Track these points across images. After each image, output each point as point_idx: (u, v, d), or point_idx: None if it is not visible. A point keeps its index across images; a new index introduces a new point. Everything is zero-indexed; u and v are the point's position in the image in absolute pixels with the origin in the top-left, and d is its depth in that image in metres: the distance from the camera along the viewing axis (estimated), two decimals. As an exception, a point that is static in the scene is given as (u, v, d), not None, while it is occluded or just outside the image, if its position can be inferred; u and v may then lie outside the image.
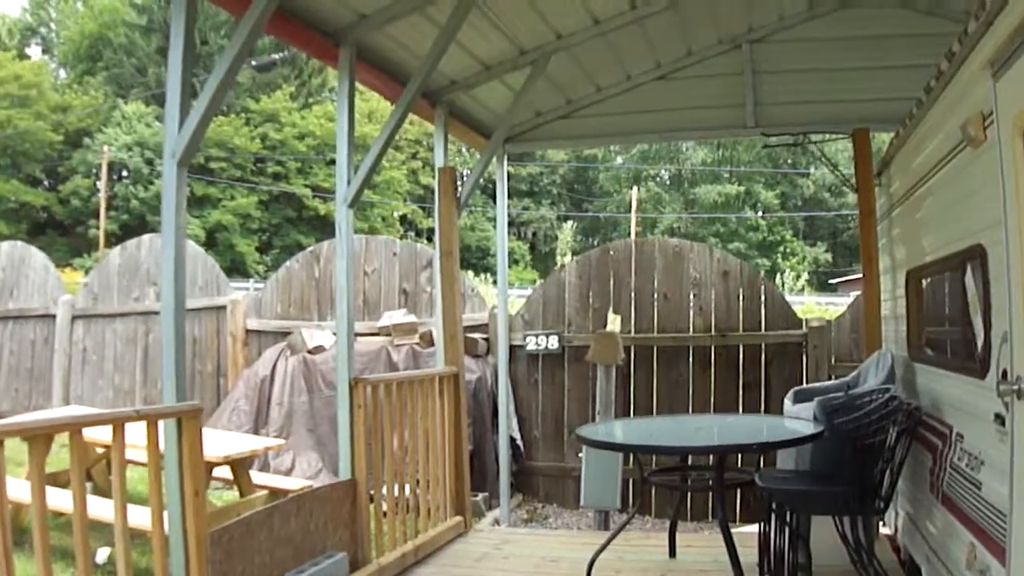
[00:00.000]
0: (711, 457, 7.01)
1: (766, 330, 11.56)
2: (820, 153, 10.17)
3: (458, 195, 9.16)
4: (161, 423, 4.86)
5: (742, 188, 62.93)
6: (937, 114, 5.90)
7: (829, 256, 62.64)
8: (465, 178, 9.67)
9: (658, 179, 67.68)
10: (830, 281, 54.07)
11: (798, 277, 45.86)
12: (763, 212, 63.65)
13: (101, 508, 6.33)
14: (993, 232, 4.35)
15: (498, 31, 8.45)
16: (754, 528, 7.64)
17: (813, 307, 26.22)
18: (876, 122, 9.16)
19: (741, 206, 62.79)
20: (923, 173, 6.39)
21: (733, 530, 6.41)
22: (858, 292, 11.78)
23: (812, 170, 61.84)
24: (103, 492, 9.10)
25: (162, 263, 5.47)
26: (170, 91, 5.52)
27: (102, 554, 7.83)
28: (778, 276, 44.75)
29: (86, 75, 61.20)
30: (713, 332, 11.70)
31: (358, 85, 7.84)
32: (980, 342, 4.79)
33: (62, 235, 55.60)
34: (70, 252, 51.17)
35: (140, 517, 5.34)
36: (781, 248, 60.67)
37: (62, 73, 64.99)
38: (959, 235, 5.22)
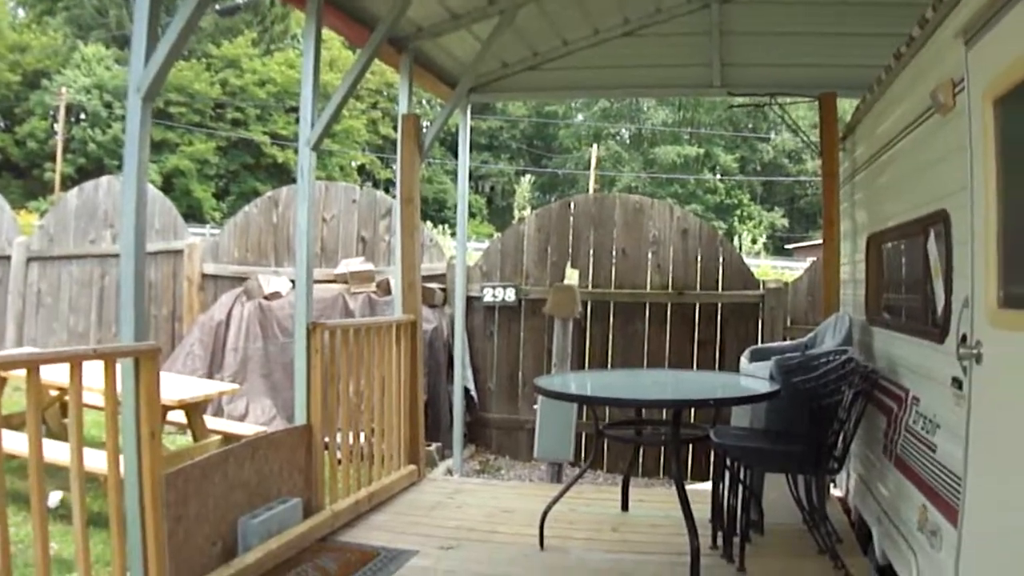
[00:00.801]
0: (665, 412, 7.06)
1: (723, 290, 11.62)
2: (783, 115, 10.18)
3: (421, 142, 9.12)
4: (119, 364, 4.81)
5: (701, 150, 62.98)
6: (906, 80, 5.93)
7: (786, 221, 62.87)
8: (427, 129, 9.62)
9: (618, 138, 67.62)
10: (786, 246, 54.31)
11: (754, 241, 46.07)
12: (721, 175, 63.75)
13: (55, 451, 6.27)
14: (958, 198, 4.39)
15: (468, -22, 8.40)
16: (704, 486, 7.73)
17: (768, 270, 26.32)
18: (842, 87, 9.20)
19: (700, 168, 62.86)
20: (888, 139, 6.43)
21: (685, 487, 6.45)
22: (814, 258, 11.86)
23: (772, 135, 62.05)
24: (56, 435, 9.03)
25: (123, 200, 5.40)
26: (137, 24, 5.42)
27: (54, 498, 7.74)
28: (735, 239, 44.89)
29: (45, 15, 59.94)
30: (670, 289, 11.75)
31: (322, 31, 7.73)
32: (940, 306, 4.84)
33: (17, 177, 54.55)
34: (25, 195, 50.34)
35: (94, 460, 5.30)
36: (738, 211, 60.76)
37: (20, 13, 63.66)
38: (923, 200, 5.26)
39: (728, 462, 6.45)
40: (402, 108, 9.39)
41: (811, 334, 8.12)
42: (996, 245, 3.78)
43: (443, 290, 12.27)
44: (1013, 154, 3.67)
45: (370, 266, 12.62)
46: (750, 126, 63.72)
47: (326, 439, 7.13)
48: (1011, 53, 3.59)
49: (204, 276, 13.79)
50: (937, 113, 4.83)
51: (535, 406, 10.36)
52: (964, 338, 4.21)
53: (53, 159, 51.57)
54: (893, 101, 6.36)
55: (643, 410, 7.84)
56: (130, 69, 5.49)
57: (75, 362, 4.46)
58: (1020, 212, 3.58)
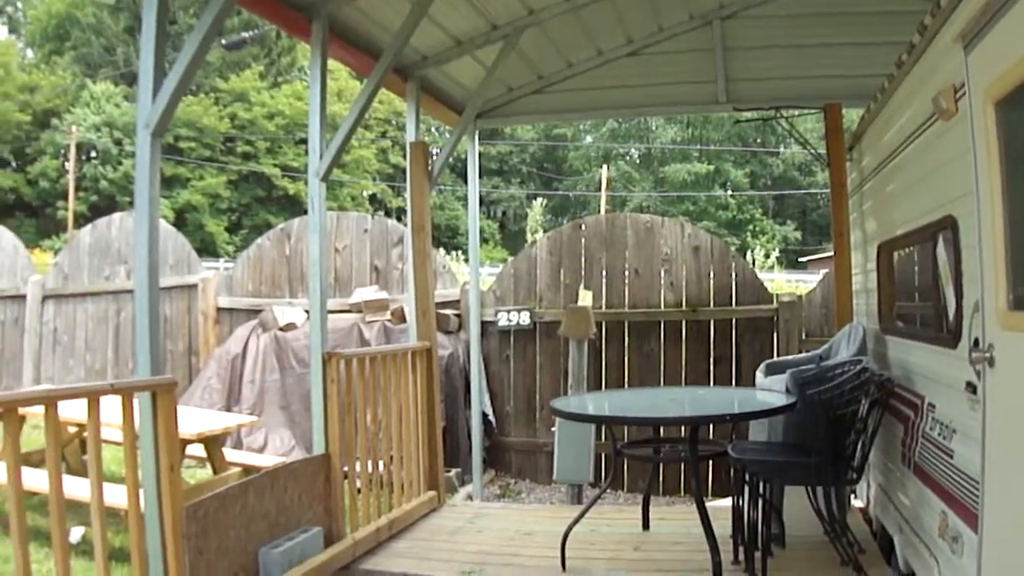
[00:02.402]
0: (683, 429, 7.05)
1: (737, 305, 11.59)
2: (790, 128, 10.20)
3: (430, 169, 9.14)
4: (136, 398, 4.83)
5: (712, 167, 62.88)
6: (908, 87, 5.94)
7: (798, 234, 62.72)
8: (436, 156, 9.66)
9: (628, 158, 67.69)
10: (799, 259, 54.15)
11: (767, 255, 45.92)
12: (732, 191, 63.66)
13: (74, 487, 6.29)
14: (964, 203, 4.39)
15: (470, 5, 8.46)
16: (724, 503, 7.71)
17: (783, 284, 26.23)
18: (847, 98, 9.25)
19: (711, 185, 62.78)
20: (894, 147, 6.43)
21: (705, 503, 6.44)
22: (827, 270, 11.84)
23: (782, 149, 62.01)
24: (75, 472, 9.06)
25: (135, 235, 5.46)
26: (143, 61, 5.50)
27: (75, 534, 7.77)
28: (748, 254, 44.77)
29: (54, 55, 60.32)
30: (684, 307, 11.72)
31: (328, 62, 7.79)
32: (951, 312, 4.83)
33: (30, 216, 54.93)
34: (39, 233, 50.69)
35: (114, 495, 5.32)
36: (751, 227, 60.66)
37: (29, 53, 63.95)
38: (930, 207, 5.26)
39: (747, 477, 6.43)
40: (410, 136, 9.43)
41: (826, 345, 8.10)
42: (1004, 248, 3.78)
43: (458, 316, 12.28)
44: (1016, 156, 3.68)
45: (384, 294, 12.65)
46: (759, 141, 63.73)
47: (345, 468, 7.14)
48: (1010, 55, 3.60)
49: (219, 310, 13.83)
50: (940, 119, 4.84)
51: (553, 428, 10.33)
52: (976, 342, 4.21)
53: (65, 197, 51.82)
54: (897, 109, 6.37)
55: (661, 428, 7.84)
56: (138, 106, 5.57)
57: (92, 398, 4.48)
58: (1026, 214, 3.59)
